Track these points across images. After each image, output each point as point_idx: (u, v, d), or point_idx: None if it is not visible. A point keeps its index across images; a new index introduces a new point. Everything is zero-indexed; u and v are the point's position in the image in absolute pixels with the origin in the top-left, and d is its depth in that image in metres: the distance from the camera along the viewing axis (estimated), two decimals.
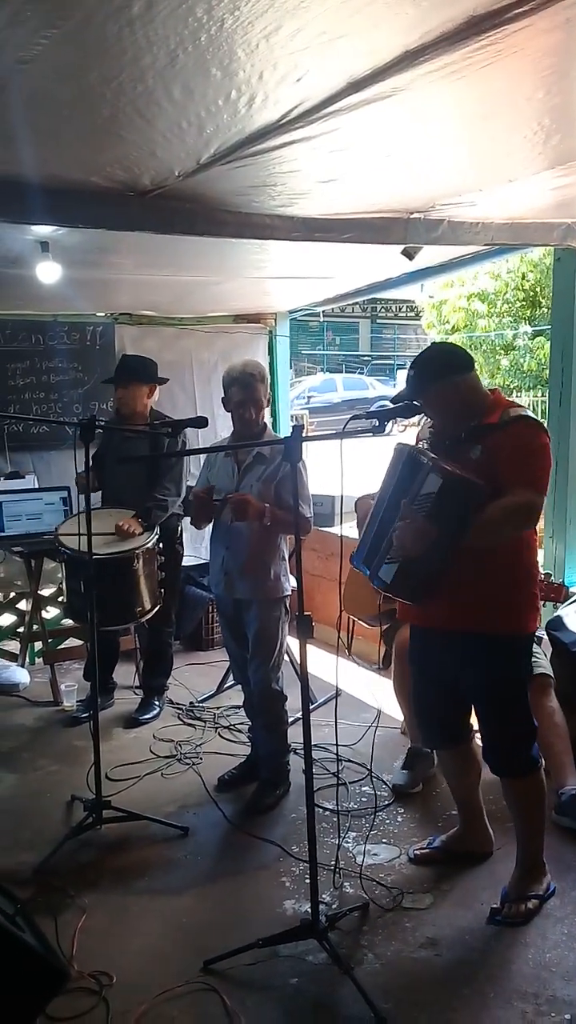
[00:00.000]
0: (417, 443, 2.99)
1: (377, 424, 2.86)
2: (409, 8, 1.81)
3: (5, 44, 1.93)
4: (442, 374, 2.75)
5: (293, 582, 3.59)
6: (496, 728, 2.88)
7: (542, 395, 12.33)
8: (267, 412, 3.73)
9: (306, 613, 2.67)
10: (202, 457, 4.23)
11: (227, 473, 3.66)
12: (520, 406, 2.86)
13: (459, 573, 2.65)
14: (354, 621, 4.35)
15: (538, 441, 2.70)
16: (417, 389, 2.78)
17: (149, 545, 4.17)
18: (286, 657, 3.89)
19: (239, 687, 4.97)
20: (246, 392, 3.56)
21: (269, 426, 3.80)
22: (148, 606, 4.17)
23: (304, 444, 2.74)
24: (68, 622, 5.30)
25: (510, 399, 2.97)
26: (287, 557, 3.70)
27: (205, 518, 3.68)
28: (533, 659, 3.23)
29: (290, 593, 3.65)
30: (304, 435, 2.75)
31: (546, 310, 13.31)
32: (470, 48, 1.99)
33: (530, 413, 2.82)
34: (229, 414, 3.68)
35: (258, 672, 3.66)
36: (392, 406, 2.89)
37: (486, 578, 2.71)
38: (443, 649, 2.90)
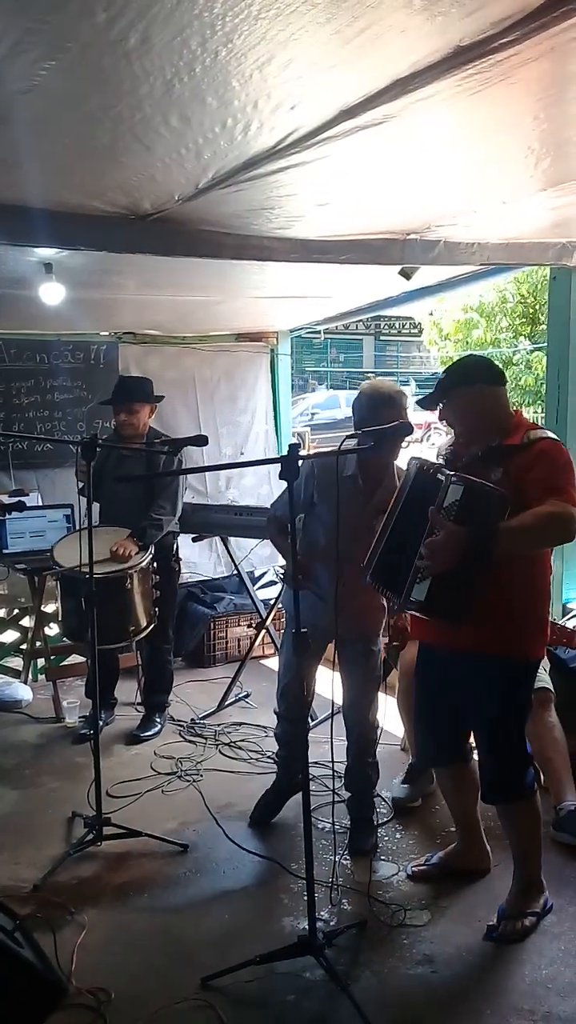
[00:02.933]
0: (439, 458, 2.99)
1: (373, 443, 2.91)
2: (397, 39, 1.86)
3: (7, 74, 1.99)
4: (471, 380, 2.76)
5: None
6: (490, 752, 2.88)
7: (540, 411, 12.34)
8: None
9: (303, 631, 2.70)
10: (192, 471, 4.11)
11: (357, 502, 3.25)
12: (541, 427, 2.86)
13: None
14: None
15: (564, 457, 2.68)
16: (444, 390, 2.80)
17: (143, 564, 4.19)
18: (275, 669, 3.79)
19: (240, 704, 5.02)
20: (398, 414, 3.13)
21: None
22: (142, 624, 4.20)
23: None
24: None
25: (532, 421, 2.96)
26: None
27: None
28: None
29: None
30: (302, 453, 2.78)
31: (545, 326, 13.35)
32: (459, 76, 2.05)
33: (551, 434, 2.79)
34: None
35: (364, 710, 3.50)
36: (393, 424, 2.94)
37: (501, 602, 2.66)
38: (448, 668, 2.90)
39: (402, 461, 3.15)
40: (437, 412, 2.92)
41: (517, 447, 2.70)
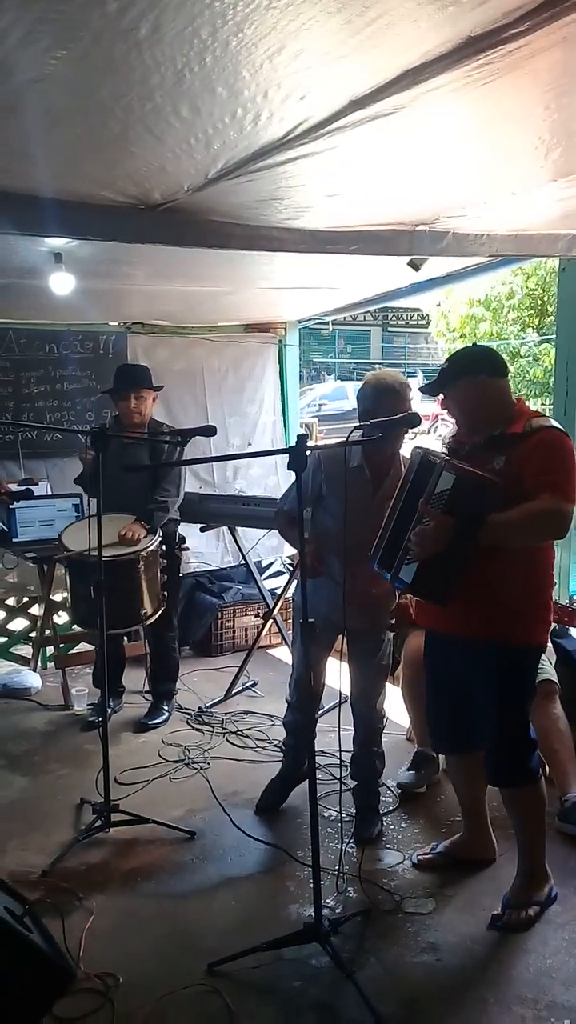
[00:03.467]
0: (443, 448, 2.99)
1: (380, 434, 2.92)
2: (408, 29, 1.85)
3: (18, 64, 1.98)
4: (471, 371, 2.77)
5: None
6: (494, 737, 2.90)
7: (548, 403, 12.31)
8: None
9: (310, 620, 2.71)
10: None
11: (365, 493, 3.28)
12: (544, 415, 2.86)
13: (474, 580, 2.67)
14: None
15: (564, 449, 2.68)
16: (444, 381, 2.81)
17: (152, 547, 4.22)
18: (289, 659, 3.84)
19: (247, 693, 5.05)
20: (403, 405, 3.15)
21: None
22: (151, 609, 4.22)
23: None
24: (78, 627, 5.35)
25: (534, 409, 2.96)
26: None
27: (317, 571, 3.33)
28: (539, 667, 3.25)
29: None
30: (310, 444, 2.78)
31: (553, 318, 13.31)
32: (469, 67, 2.03)
33: (555, 422, 2.79)
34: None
35: (371, 700, 3.53)
36: (400, 415, 2.95)
37: (500, 586, 2.71)
38: (454, 654, 2.92)
39: (407, 451, 3.15)
40: (439, 401, 2.93)
41: (519, 435, 2.71)
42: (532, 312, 14.36)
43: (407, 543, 2.70)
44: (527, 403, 3.05)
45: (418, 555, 2.66)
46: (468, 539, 2.57)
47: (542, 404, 13.15)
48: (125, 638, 5.00)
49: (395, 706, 4.19)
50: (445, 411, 3.01)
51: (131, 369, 4.72)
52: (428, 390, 2.94)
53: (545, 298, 14.08)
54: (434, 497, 2.61)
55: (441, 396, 2.92)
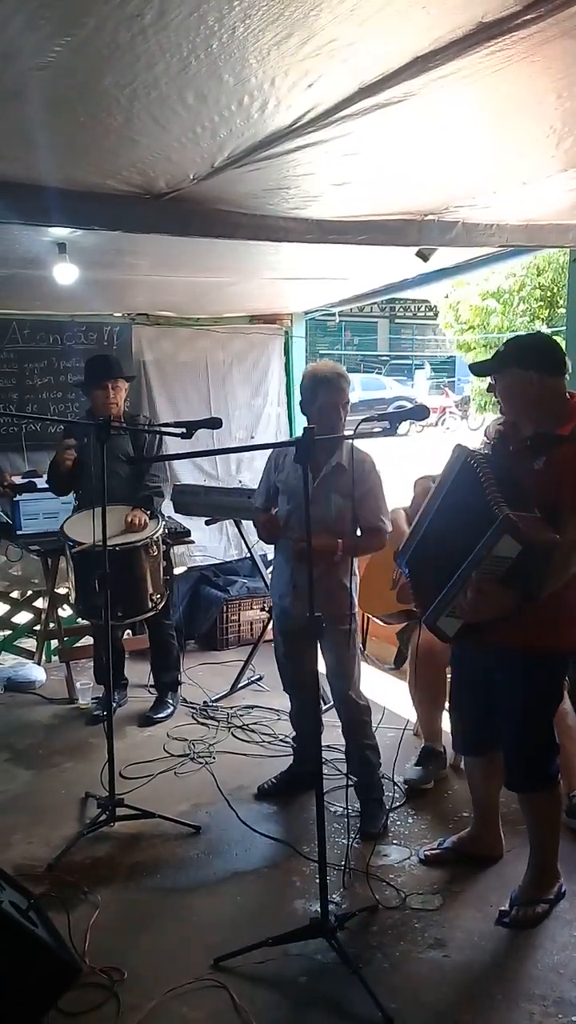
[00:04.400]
0: (485, 441, 2.93)
1: (388, 426, 2.88)
2: (418, 15, 1.82)
3: (21, 51, 1.96)
4: (521, 363, 2.67)
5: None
6: (518, 741, 2.87)
7: None
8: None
9: (317, 615, 2.69)
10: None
11: (293, 478, 3.43)
12: None
13: None
14: (368, 621, 4.37)
15: None
16: (498, 365, 2.73)
17: (160, 532, 4.22)
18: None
19: (253, 687, 5.04)
20: (337, 395, 3.35)
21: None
22: (158, 596, 4.21)
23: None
24: (84, 620, 5.33)
25: None
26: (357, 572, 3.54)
27: (274, 537, 3.54)
28: None
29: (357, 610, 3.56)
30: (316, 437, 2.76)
31: (563, 310, 13.26)
32: (481, 54, 2.00)
33: None
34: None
35: (340, 690, 3.53)
36: (406, 407, 2.92)
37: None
38: (481, 655, 2.88)
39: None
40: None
41: (564, 438, 2.61)
42: (542, 304, 14.30)
43: (454, 594, 2.58)
44: None
45: (467, 617, 2.59)
46: (522, 602, 2.52)
47: None
48: (128, 631, 4.99)
49: (403, 701, 4.18)
50: (491, 392, 2.90)
51: (105, 359, 4.65)
52: (478, 369, 2.86)
53: (555, 289, 14.02)
54: (494, 560, 2.48)
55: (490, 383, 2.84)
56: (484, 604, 2.54)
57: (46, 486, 5.22)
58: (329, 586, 3.35)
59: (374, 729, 3.67)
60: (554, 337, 3.20)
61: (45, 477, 4.98)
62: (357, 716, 3.56)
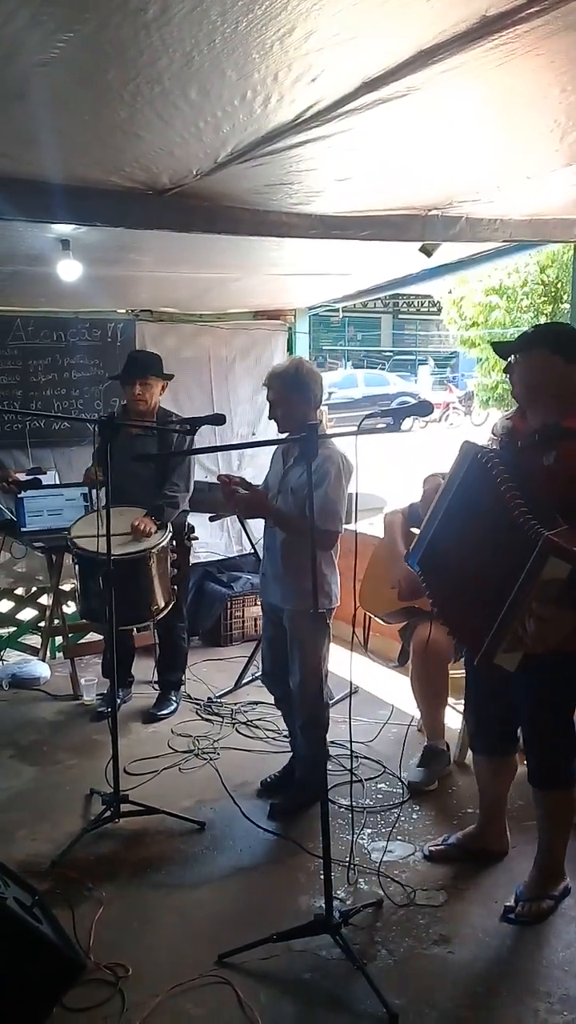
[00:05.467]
0: (492, 438, 2.90)
1: (392, 422, 2.87)
2: (422, 8, 1.82)
3: (24, 46, 1.95)
4: (550, 345, 2.65)
5: (336, 599, 3.56)
6: (540, 738, 2.85)
7: None
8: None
9: (319, 612, 2.68)
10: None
11: (276, 472, 3.64)
12: None
13: None
14: (370, 618, 4.36)
15: None
16: (527, 345, 2.69)
17: (164, 544, 4.19)
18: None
19: (257, 683, 5.02)
20: (271, 393, 3.52)
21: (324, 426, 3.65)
22: (162, 604, 4.20)
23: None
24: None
25: None
26: (331, 571, 3.52)
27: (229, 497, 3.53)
28: None
29: (333, 607, 3.56)
30: (320, 432, 2.75)
31: (567, 306, 13.23)
32: (484, 47, 2.00)
33: None
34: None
35: (294, 677, 3.57)
36: (410, 403, 2.90)
37: None
38: None
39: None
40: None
41: (573, 431, 2.60)
42: (545, 300, 14.27)
43: (506, 626, 2.45)
44: None
45: (535, 650, 2.46)
46: None
47: None
48: (135, 629, 4.98)
49: (406, 697, 4.17)
50: (507, 375, 2.86)
51: (137, 356, 4.68)
52: (501, 349, 2.82)
53: (559, 285, 13.98)
54: (545, 588, 2.39)
55: (508, 364, 2.80)
56: (549, 632, 2.42)
57: (52, 482, 5.24)
58: (291, 577, 3.43)
59: (390, 726, 3.66)
60: None
61: (51, 475, 4.99)
62: (311, 709, 3.52)
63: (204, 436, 5.30)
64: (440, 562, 2.73)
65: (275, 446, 3.77)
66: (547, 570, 2.37)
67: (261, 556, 3.76)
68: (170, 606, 4.27)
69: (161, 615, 4.27)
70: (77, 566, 4.22)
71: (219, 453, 6.21)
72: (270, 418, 3.58)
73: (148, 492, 4.36)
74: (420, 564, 2.80)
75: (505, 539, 2.47)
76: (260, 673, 3.99)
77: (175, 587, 4.33)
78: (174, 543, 4.35)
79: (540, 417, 2.69)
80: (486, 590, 2.52)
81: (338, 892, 2.98)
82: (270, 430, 6.38)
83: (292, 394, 3.45)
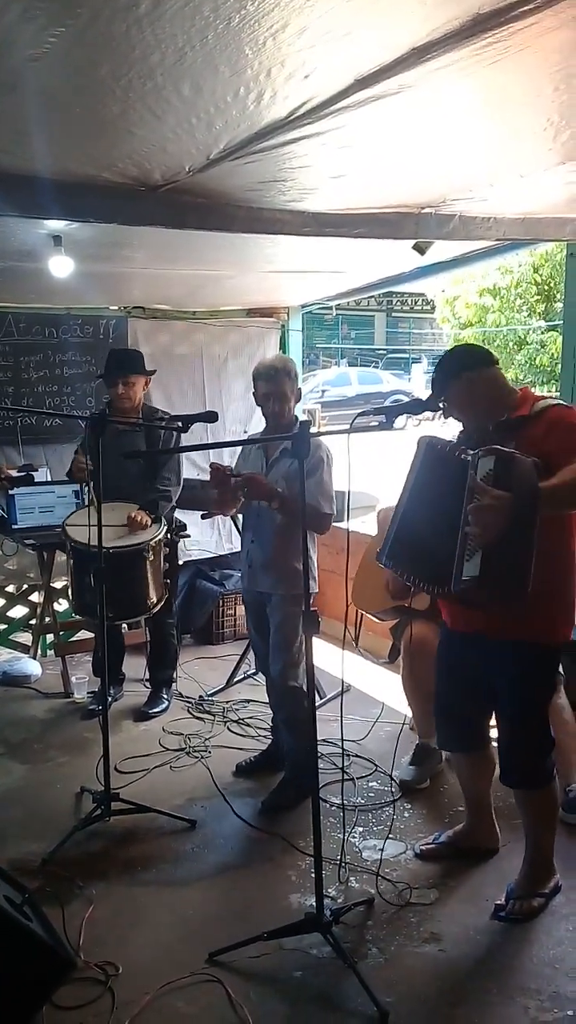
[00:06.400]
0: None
1: (384, 420, 2.87)
2: (415, 6, 1.81)
3: (15, 41, 1.94)
4: (460, 371, 2.75)
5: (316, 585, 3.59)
6: (513, 736, 2.87)
7: (555, 390, 12.27)
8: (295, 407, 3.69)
9: (312, 609, 2.68)
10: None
11: (257, 467, 3.68)
12: (546, 396, 2.86)
13: None
14: (362, 615, 4.36)
15: None
16: (440, 389, 2.79)
17: (160, 536, 4.19)
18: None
19: (249, 681, 5.04)
20: (270, 385, 3.56)
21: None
22: (156, 598, 4.20)
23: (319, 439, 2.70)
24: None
25: (539, 393, 2.96)
26: (314, 556, 3.65)
27: (225, 499, 3.62)
28: None
29: (315, 592, 3.60)
30: (312, 430, 2.75)
31: (560, 304, 13.27)
32: (477, 45, 1.98)
33: (559, 399, 2.82)
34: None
35: (275, 666, 3.66)
36: (403, 401, 2.91)
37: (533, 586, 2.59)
38: (473, 653, 2.88)
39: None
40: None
41: (527, 417, 2.70)
42: (539, 299, 14.30)
43: (463, 531, 2.51)
44: (533, 390, 3.01)
45: (481, 539, 2.47)
46: (528, 511, 2.42)
47: (548, 392, 13.09)
48: (125, 626, 4.97)
49: (397, 695, 4.17)
50: (447, 418, 2.96)
51: (119, 354, 4.65)
52: (432, 405, 2.89)
53: (552, 284, 14.02)
54: (480, 481, 2.49)
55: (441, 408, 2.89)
56: (489, 517, 2.42)
57: (43, 479, 5.21)
58: (281, 563, 3.54)
59: (381, 724, 3.67)
60: (551, 331, 3.18)
61: (43, 472, 4.97)
62: (287, 698, 3.64)
63: (196, 433, 5.29)
64: (406, 544, 2.79)
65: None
66: (480, 470, 2.50)
67: (243, 547, 3.81)
68: (163, 601, 4.27)
69: (156, 609, 4.27)
70: (72, 561, 4.20)
71: (210, 452, 6.19)
72: (263, 410, 3.64)
73: (138, 487, 4.37)
74: (388, 558, 2.85)
75: (458, 486, 2.55)
76: (256, 662, 4.08)
77: (167, 582, 4.33)
78: (168, 536, 4.35)
79: (490, 422, 2.77)
80: (446, 532, 2.58)
81: (329, 890, 2.98)
82: (261, 428, 6.41)
83: (287, 387, 3.56)
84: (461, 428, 2.96)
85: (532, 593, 2.55)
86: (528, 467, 2.48)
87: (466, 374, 2.75)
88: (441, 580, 2.63)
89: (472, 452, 2.58)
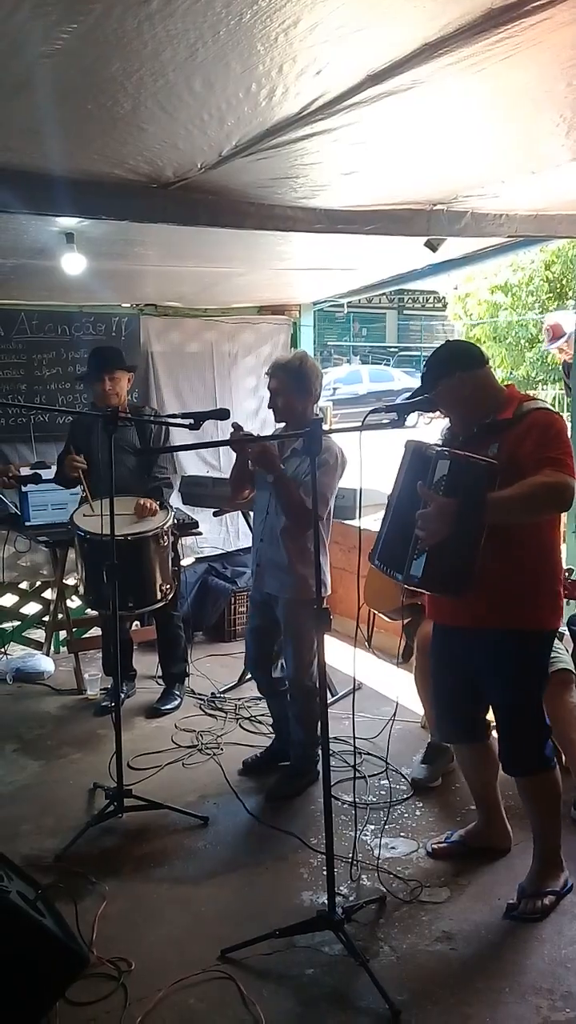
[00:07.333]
0: (437, 441, 2.98)
1: (396, 417, 2.87)
2: (427, 1, 1.80)
3: (28, 38, 1.94)
4: (450, 370, 2.77)
5: (329, 587, 3.58)
6: (509, 724, 2.88)
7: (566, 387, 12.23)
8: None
9: (324, 607, 2.68)
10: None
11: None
12: (535, 398, 2.86)
13: (484, 569, 2.60)
14: (374, 615, 4.35)
15: (556, 426, 2.68)
16: (428, 385, 2.82)
17: (169, 523, 4.22)
18: None
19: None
20: (274, 381, 3.57)
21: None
22: (168, 587, 4.21)
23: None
24: (92, 611, 5.33)
25: (525, 393, 2.97)
26: (326, 563, 3.60)
27: (242, 477, 3.72)
28: (554, 655, 3.21)
29: (326, 595, 3.58)
30: (324, 428, 2.75)
31: (572, 301, 13.21)
32: (489, 41, 1.98)
33: (545, 403, 2.82)
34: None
35: (288, 665, 3.67)
36: (412, 399, 2.91)
37: (510, 574, 2.68)
38: (463, 643, 2.89)
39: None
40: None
41: (510, 420, 2.71)
42: (551, 296, 14.24)
43: (413, 537, 2.62)
44: (530, 386, 3.03)
45: (424, 543, 2.57)
46: (473, 519, 2.49)
47: (559, 389, 13.04)
48: (136, 623, 4.98)
49: (410, 693, 4.16)
50: (435, 413, 3.02)
51: (103, 351, 4.64)
52: (422, 406, 2.91)
53: (564, 281, 13.96)
54: (433, 485, 2.57)
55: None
56: (432, 515, 2.50)
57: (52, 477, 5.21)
58: (288, 567, 3.53)
59: (393, 722, 3.72)
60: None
61: (53, 470, 4.97)
62: (305, 700, 3.65)
63: (206, 431, 5.29)
64: (389, 545, 2.81)
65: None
66: (437, 472, 2.55)
67: (252, 546, 3.80)
68: (174, 591, 4.29)
69: (169, 597, 4.29)
70: (84, 555, 4.20)
71: (221, 448, 6.19)
72: (269, 407, 3.65)
73: (135, 480, 4.40)
74: (379, 559, 2.86)
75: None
76: (246, 660, 4.08)
77: (176, 569, 4.35)
78: (175, 522, 4.38)
79: (476, 423, 2.79)
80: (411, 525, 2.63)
81: (341, 888, 2.98)
82: (268, 424, 6.40)
83: (294, 385, 3.53)
84: (448, 426, 2.99)
85: (516, 582, 2.68)
86: (480, 474, 2.53)
87: (458, 373, 2.76)
88: (400, 572, 2.72)
89: (436, 450, 2.64)
